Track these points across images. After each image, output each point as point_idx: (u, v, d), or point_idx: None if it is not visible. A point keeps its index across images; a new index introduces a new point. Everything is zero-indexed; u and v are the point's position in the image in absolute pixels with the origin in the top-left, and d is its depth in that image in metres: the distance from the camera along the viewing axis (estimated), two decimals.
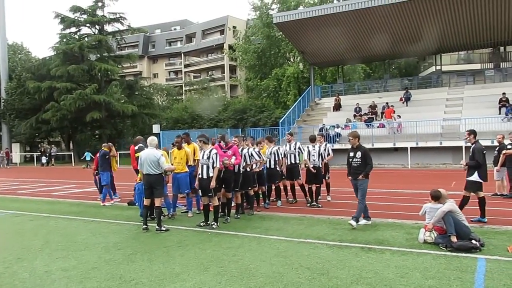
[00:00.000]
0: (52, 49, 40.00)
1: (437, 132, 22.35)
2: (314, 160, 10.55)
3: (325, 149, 11.03)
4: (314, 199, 10.56)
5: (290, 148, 10.93)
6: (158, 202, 8.21)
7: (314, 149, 10.65)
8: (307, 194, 10.74)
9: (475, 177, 8.05)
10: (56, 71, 37.33)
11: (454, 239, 6.16)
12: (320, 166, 10.64)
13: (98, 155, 12.83)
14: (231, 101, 47.22)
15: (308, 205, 10.51)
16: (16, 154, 42.43)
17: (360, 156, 8.19)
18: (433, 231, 6.54)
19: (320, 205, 10.41)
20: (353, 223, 7.74)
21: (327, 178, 11.34)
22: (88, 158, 33.93)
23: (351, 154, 8.34)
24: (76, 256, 6.43)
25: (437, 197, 6.96)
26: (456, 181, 14.87)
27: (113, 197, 12.34)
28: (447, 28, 25.94)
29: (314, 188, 10.55)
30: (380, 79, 35.87)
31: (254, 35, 43.08)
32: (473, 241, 6.10)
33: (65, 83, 36.92)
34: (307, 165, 10.55)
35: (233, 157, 8.70)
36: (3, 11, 42.98)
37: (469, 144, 8.55)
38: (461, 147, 21.19)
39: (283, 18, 27.33)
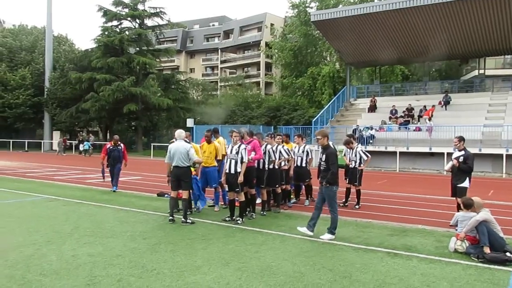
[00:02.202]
0: (94, 41, 41.31)
1: (476, 138, 21.43)
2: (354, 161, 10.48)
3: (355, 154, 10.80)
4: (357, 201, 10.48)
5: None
6: (185, 194, 8.26)
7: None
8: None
9: (466, 183, 8.17)
10: (96, 62, 38.50)
11: (487, 250, 5.86)
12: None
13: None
14: (266, 98, 47.23)
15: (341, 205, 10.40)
16: (56, 141, 44.09)
17: (324, 158, 7.30)
18: (465, 240, 6.26)
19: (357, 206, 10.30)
20: (325, 237, 7.03)
21: None
22: (86, 147, 35.56)
23: (320, 155, 7.55)
24: (103, 243, 6.57)
25: (469, 205, 6.67)
26: (494, 190, 14.28)
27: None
28: (493, 30, 24.80)
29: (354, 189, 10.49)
30: (419, 81, 34.87)
31: (291, 33, 42.85)
32: (508, 254, 5.79)
33: (104, 75, 38.03)
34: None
35: (253, 152, 8.63)
36: (50, 4, 44.65)
37: (453, 150, 8.78)
38: (501, 155, 20.35)
39: (321, 16, 26.98)
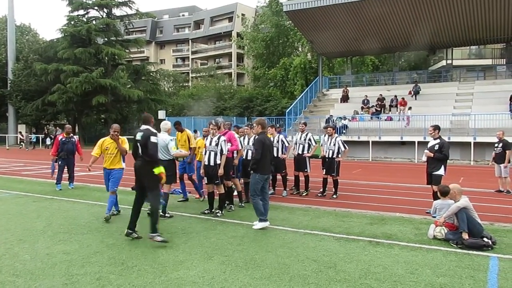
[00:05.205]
0: (59, 31, 39.91)
1: (445, 127, 21.90)
2: (331, 150, 10.36)
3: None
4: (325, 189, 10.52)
5: (300, 138, 10.77)
6: (166, 188, 8.04)
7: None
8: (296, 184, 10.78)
9: (441, 171, 8.28)
10: (63, 53, 37.24)
11: (465, 236, 5.98)
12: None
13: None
14: (238, 89, 46.99)
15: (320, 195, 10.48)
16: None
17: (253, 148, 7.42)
18: (443, 227, 6.36)
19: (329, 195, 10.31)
20: (256, 226, 7.03)
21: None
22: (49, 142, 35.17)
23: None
24: (78, 240, 6.33)
25: (445, 193, 6.79)
26: (464, 176, 14.69)
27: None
28: (459, 22, 25.45)
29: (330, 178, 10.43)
30: (389, 71, 35.45)
31: (262, 23, 42.68)
32: (485, 239, 5.92)
33: (71, 66, 36.84)
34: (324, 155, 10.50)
35: (228, 144, 8.51)
36: None
37: (430, 139, 8.87)
38: (469, 143, 20.96)
39: (293, 6, 26.93)
